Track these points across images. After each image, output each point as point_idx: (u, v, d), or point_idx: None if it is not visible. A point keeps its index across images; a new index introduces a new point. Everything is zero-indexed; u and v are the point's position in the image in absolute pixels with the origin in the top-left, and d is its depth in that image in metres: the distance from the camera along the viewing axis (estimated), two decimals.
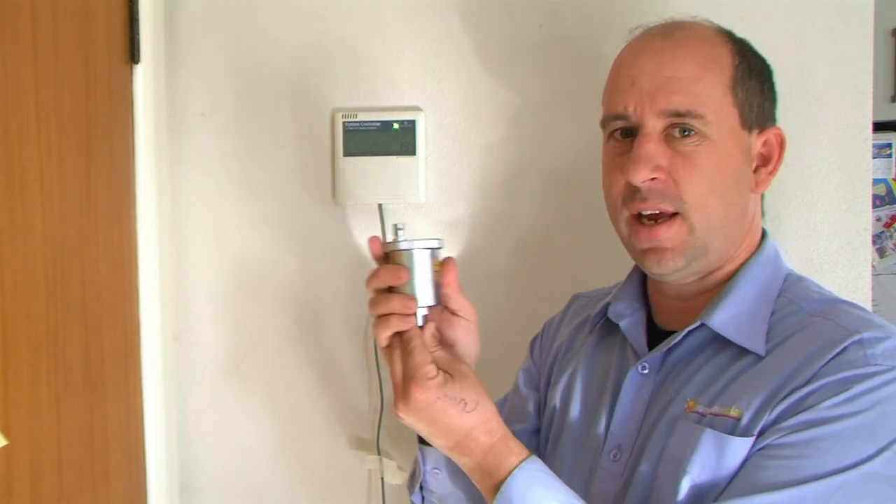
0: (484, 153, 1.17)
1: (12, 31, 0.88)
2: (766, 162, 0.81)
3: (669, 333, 0.80)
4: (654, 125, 0.76)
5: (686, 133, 0.76)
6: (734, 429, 0.70)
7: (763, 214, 0.85)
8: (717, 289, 0.80)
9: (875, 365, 0.68)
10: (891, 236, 1.95)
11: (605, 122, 0.82)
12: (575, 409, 0.86)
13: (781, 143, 0.82)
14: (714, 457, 0.70)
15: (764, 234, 0.84)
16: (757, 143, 0.80)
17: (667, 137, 0.76)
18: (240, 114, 1.21)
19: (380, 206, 1.18)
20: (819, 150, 1.09)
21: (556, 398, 0.89)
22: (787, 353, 0.72)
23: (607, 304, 0.88)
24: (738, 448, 0.69)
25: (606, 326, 0.89)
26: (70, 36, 0.99)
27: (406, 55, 1.17)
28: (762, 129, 0.80)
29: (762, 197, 0.85)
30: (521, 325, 1.05)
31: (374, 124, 1.16)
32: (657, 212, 0.77)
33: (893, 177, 1.94)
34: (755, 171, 0.80)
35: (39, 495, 0.92)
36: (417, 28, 1.17)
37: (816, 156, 1.09)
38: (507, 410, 0.95)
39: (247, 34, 1.20)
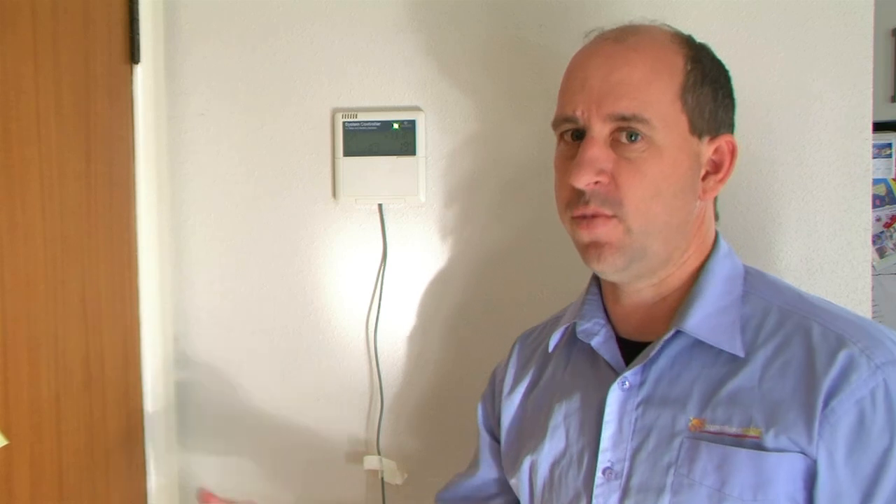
0: (484, 153, 1.17)
1: (12, 31, 0.88)
2: (717, 169, 0.80)
3: (636, 344, 0.80)
4: (600, 129, 0.76)
5: (633, 138, 0.75)
6: (759, 447, 0.70)
7: (716, 217, 0.85)
8: (674, 294, 0.80)
9: None
10: (891, 236, 1.94)
11: (555, 124, 0.82)
12: (558, 443, 0.83)
13: (733, 151, 0.80)
14: (753, 475, 0.69)
15: (716, 236, 0.83)
16: (708, 150, 0.79)
17: (613, 142, 0.76)
18: (240, 114, 1.21)
19: (380, 206, 1.18)
20: (819, 150, 1.09)
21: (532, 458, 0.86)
22: (779, 360, 0.72)
23: (568, 327, 0.87)
24: (775, 463, 0.69)
25: (568, 349, 0.88)
26: (70, 36, 0.99)
27: (406, 55, 1.18)
28: (714, 137, 0.79)
29: (715, 201, 0.84)
30: (526, 325, 1.05)
31: (374, 124, 1.16)
32: (595, 214, 0.77)
33: (893, 177, 1.94)
34: (704, 178, 0.79)
35: (39, 495, 0.92)
36: (417, 28, 1.17)
37: (816, 156, 1.09)
38: (475, 488, 0.97)
39: (246, 34, 1.20)
